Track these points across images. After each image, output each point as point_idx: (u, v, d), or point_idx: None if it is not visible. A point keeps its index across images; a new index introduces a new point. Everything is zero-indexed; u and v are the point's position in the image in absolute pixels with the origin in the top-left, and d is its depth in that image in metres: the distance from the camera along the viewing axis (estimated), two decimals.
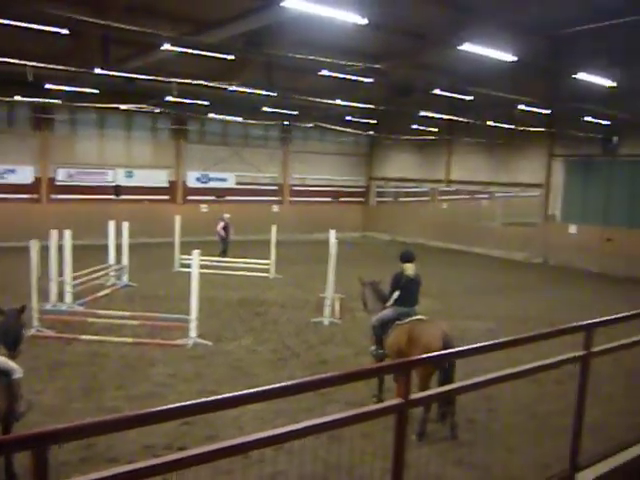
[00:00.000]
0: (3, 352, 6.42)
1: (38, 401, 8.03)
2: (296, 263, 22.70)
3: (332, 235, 15.54)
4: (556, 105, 22.54)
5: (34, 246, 12.25)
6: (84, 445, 6.85)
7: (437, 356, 5.34)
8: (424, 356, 5.20)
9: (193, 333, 11.85)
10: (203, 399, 3.13)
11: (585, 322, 4.92)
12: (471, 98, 21.90)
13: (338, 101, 23.02)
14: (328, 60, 16.91)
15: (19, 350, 7.14)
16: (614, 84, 16.44)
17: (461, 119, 26.12)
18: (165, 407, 2.94)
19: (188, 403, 3.02)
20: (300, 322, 14.07)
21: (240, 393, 3.13)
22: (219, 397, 3.15)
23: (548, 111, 23.35)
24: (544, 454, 5.76)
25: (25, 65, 19.00)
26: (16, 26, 16.28)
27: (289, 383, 3.43)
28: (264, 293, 17.41)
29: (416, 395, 3.81)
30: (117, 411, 8.23)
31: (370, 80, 19.67)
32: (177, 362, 10.76)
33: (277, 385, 3.27)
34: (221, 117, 29.38)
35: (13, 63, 18.66)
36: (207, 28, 16.59)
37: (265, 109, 27.68)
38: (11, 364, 6.29)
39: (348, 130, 32.62)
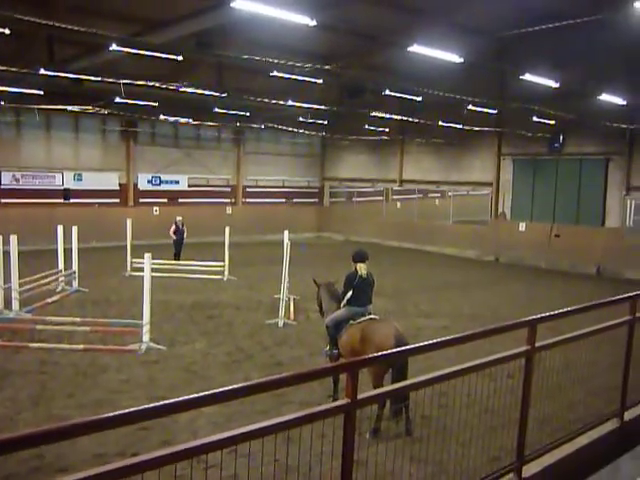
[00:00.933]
0: None
1: None
2: (250, 265, 22.63)
3: (286, 236, 15.53)
4: (504, 105, 23.07)
5: None
6: (33, 455, 6.68)
7: (387, 354, 5.39)
8: (374, 355, 5.25)
9: (145, 338, 11.68)
10: (155, 403, 3.10)
11: (529, 318, 5.05)
12: (421, 99, 22.19)
13: (290, 102, 23.04)
14: (278, 61, 16.92)
15: None
16: (557, 85, 16.89)
17: (412, 119, 26.46)
18: (117, 412, 2.90)
19: (140, 408, 2.98)
20: (254, 324, 14.03)
21: (194, 396, 3.11)
22: (172, 401, 3.13)
23: (496, 111, 23.87)
24: (495, 447, 5.88)
25: None
26: None
27: (243, 385, 3.42)
28: (218, 295, 17.29)
29: (364, 394, 3.85)
30: (68, 420, 8.05)
31: (320, 81, 19.74)
32: (130, 368, 10.59)
33: (231, 387, 3.27)
34: (172, 118, 29.04)
35: None
36: (156, 28, 16.41)
37: (217, 110, 27.48)
38: None
39: (301, 131, 32.67)
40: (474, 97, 21.00)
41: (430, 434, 6.68)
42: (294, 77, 18.48)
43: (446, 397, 5.69)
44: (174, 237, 22.42)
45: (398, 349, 5.81)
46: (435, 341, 4.45)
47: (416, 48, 13.16)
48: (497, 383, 5.33)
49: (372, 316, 8.65)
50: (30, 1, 16.32)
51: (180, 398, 3.11)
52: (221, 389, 3.19)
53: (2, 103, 24.59)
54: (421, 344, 4.49)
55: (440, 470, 6.21)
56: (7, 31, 13.65)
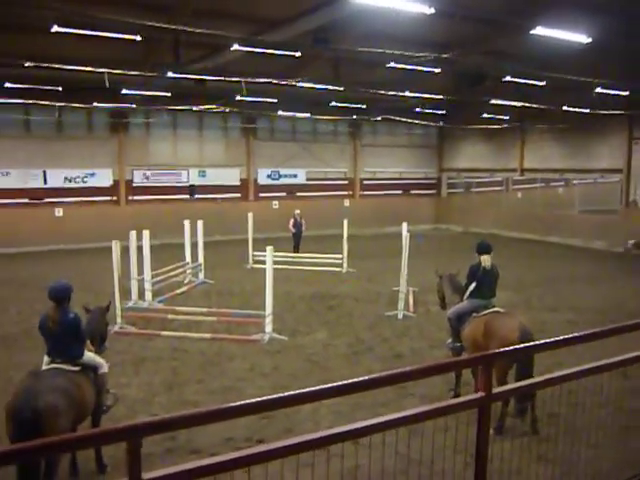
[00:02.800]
0: (90, 348, 6.71)
1: (123, 395, 8.34)
2: (368, 257, 22.67)
3: (404, 228, 15.44)
4: (635, 86, 21.58)
5: (115, 247, 12.74)
6: (166, 437, 7.07)
7: (518, 349, 5.22)
8: (506, 349, 5.09)
9: (268, 328, 12.04)
10: (282, 394, 3.19)
11: None
12: (544, 83, 21.24)
13: (407, 93, 22.80)
14: (395, 52, 16.79)
15: (105, 346, 7.46)
16: None
17: (534, 105, 25.39)
18: (245, 402, 3.02)
19: (267, 398, 3.08)
20: (374, 316, 14.06)
21: (318, 388, 3.17)
22: (298, 392, 3.21)
23: (626, 93, 22.38)
24: (631, 451, 5.55)
25: (102, 72, 19.73)
26: (93, 35, 16.91)
27: (368, 377, 3.44)
28: (337, 287, 17.48)
29: (499, 389, 3.76)
30: (198, 405, 8.47)
31: (438, 70, 19.37)
32: (254, 357, 10.96)
33: (356, 380, 3.29)
34: (290, 114, 29.61)
35: (91, 71, 19.42)
36: (274, 27, 16.77)
37: (333, 104, 27.71)
38: (98, 359, 6.57)
39: (417, 122, 32.27)
40: (602, 79, 19.82)
41: (558, 433, 6.41)
42: (411, 67, 18.29)
43: (576, 395, 5.43)
44: (293, 230, 22.90)
45: (527, 344, 5.60)
46: (567, 337, 4.26)
47: (540, 30, 12.61)
48: (633, 382, 5.03)
49: (496, 309, 8.42)
50: (157, 8, 17.15)
51: (304, 390, 3.18)
52: (349, 381, 3.23)
53: (134, 106, 26.15)
54: (549, 340, 4.32)
55: (569, 471, 5.95)
56: (138, 38, 14.43)
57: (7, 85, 22.65)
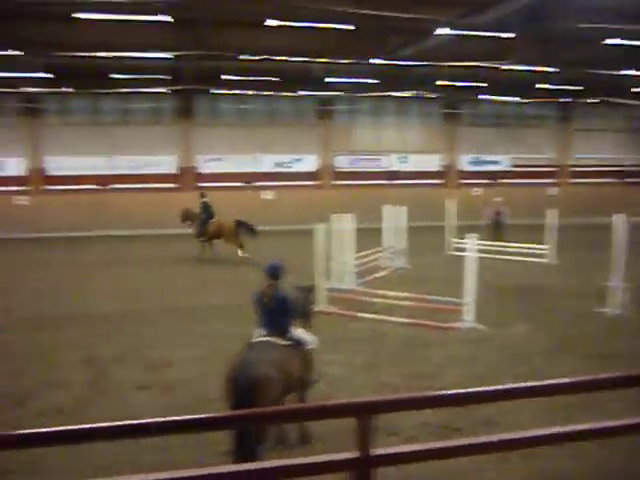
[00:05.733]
0: (299, 325, 7.12)
1: (325, 372, 8.73)
2: (575, 249, 21.30)
3: (618, 219, 14.27)
4: None
5: (320, 230, 13.31)
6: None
7: None
8: None
9: (468, 317, 11.86)
10: (482, 388, 3.15)
11: None
12: None
13: (626, 71, 20.98)
14: (615, 27, 15.51)
15: (310, 324, 7.87)
16: None
17: None
18: (468, 390, 3.02)
19: (481, 390, 3.07)
20: (580, 311, 13.21)
21: (519, 386, 3.08)
22: (498, 388, 3.14)
23: None
24: None
25: (311, 62, 20.64)
26: (303, 27, 17.72)
27: (570, 381, 3.26)
28: (540, 279, 16.69)
29: None
30: (397, 388, 8.62)
31: None
32: (452, 345, 10.87)
33: (558, 381, 3.15)
34: (494, 98, 28.68)
35: (301, 61, 20.42)
36: (481, 8, 16.31)
37: (541, 86, 26.32)
38: (307, 335, 6.94)
39: (637, 103, 29.57)
40: None
41: None
42: (633, 43, 16.78)
43: None
44: (494, 218, 22.25)
45: None
46: None
47: None
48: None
49: None
50: None
51: (519, 385, 3.10)
52: (547, 382, 3.10)
53: (341, 93, 27.06)
54: None
55: None
56: (351, 27, 14.82)
57: (223, 77, 24.60)
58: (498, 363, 9.96)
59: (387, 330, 11.67)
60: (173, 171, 29.76)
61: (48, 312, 13.47)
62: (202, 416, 3.45)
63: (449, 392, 3.02)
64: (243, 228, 19.85)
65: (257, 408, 5.26)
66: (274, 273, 6.81)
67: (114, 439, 3.66)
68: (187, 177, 29.50)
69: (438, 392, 3.11)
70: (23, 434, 3.27)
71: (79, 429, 3.36)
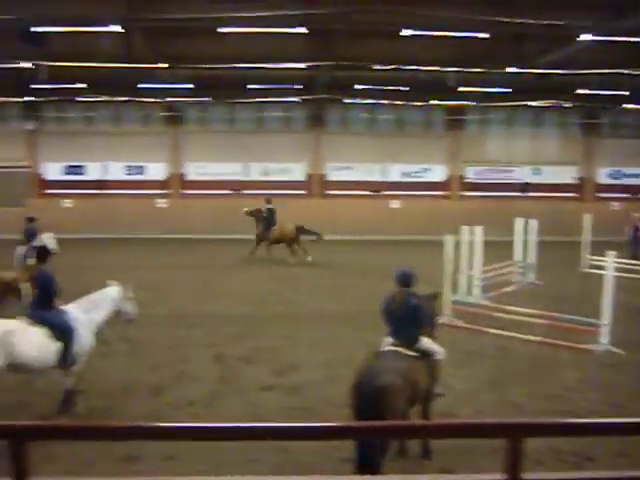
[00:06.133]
0: (425, 334, 7.04)
1: (450, 386, 8.61)
2: None
3: None
4: None
5: (449, 241, 13.15)
6: None
7: None
8: None
9: (604, 339, 11.23)
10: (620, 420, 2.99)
11: None
12: None
13: None
14: None
15: (434, 335, 7.78)
16: None
17: None
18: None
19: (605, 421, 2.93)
20: None
21: None
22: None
23: None
24: None
25: (441, 71, 20.45)
26: (435, 36, 17.60)
27: None
28: None
29: None
30: (523, 408, 8.34)
31: None
32: (584, 367, 10.34)
33: None
34: (638, 107, 27.02)
35: (433, 70, 20.28)
36: (623, 12, 15.48)
37: None
38: (434, 346, 6.84)
39: None
40: None
41: None
42: None
43: None
44: (633, 235, 20.98)
45: None
46: None
47: None
48: None
49: None
50: (496, 3, 17.12)
51: None
52: None
53: (473, 103, 26.59)
54: None
55: None
56: (485, 35, 14.61)
57: (356, 86, 24.93)
58: (636, 390, 9.36)
59: (515, 347, 11.31)
60: (302, 178, 30.48)
61: (182, 311, 14.27)
62: (335, 424, 3.51)
63: (613, 420, 2.91)
64: (303, 234, 20.96)
65: (383, 418, 5.30)
66: (404, 280, 6.79)
67: (242, 440, 3.80)
68: (315, 184, 30.10)
69: (601, 419, 3.00)
70: (170, 427, 3.49)
71: (215, 427, 3.53)
